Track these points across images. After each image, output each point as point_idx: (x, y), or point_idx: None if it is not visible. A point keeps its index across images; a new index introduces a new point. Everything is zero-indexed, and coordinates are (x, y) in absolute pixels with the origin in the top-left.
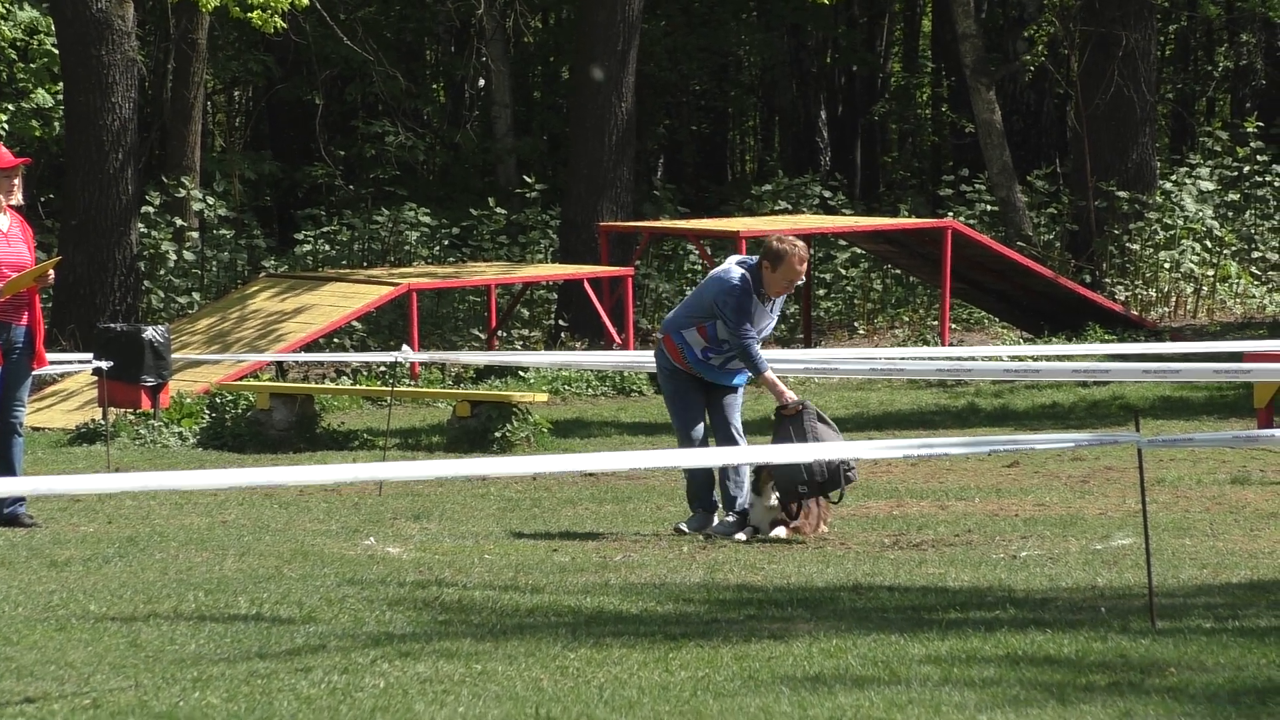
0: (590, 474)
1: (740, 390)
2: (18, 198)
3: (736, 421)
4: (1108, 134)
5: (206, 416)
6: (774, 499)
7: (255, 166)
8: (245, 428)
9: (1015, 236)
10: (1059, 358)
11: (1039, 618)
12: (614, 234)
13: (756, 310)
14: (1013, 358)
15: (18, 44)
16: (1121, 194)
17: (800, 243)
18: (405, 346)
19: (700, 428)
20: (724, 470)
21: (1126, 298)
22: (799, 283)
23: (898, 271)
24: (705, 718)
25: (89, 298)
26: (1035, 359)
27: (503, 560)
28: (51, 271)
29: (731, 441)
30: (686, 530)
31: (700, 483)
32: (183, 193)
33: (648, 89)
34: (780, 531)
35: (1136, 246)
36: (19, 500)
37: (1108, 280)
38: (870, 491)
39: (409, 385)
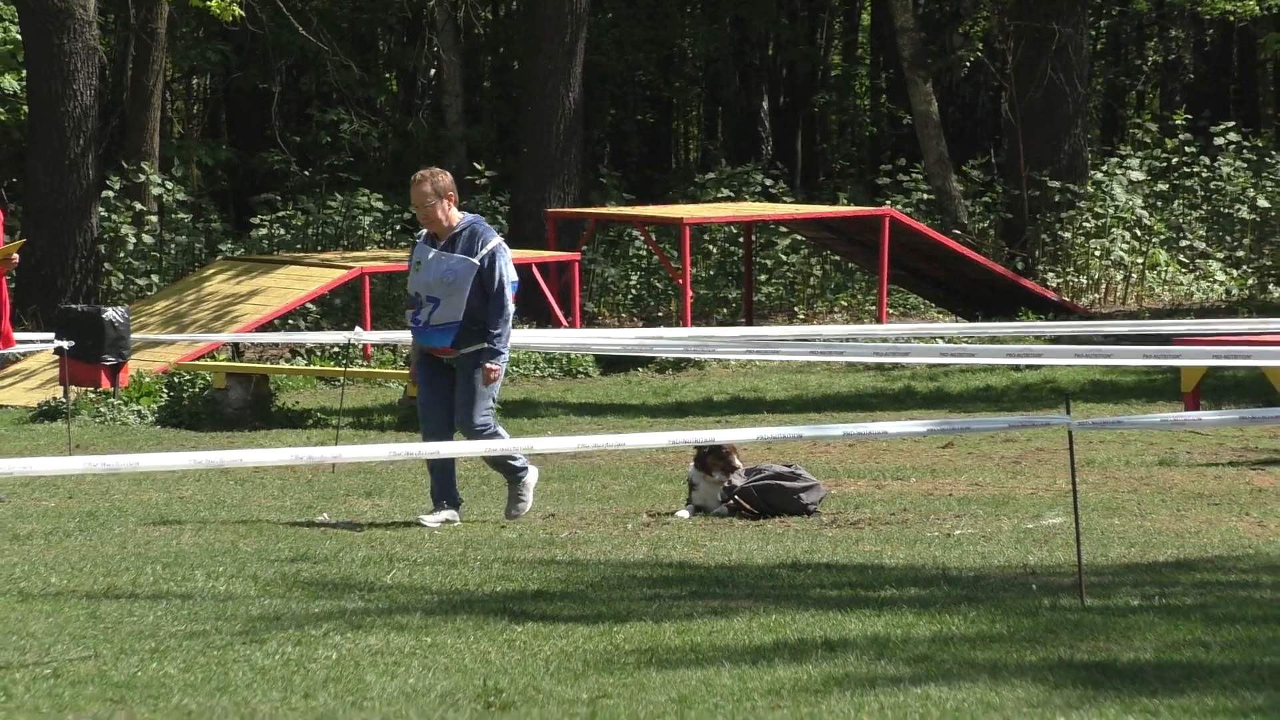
0: (539, 453)
1: (476, 381)
2: None
3: (476, 414)
4: (1041, 125)
5: (165, 395)
6: (716, 477)
7: (213, 153)
8: (202, 406)
9: (951, 224)
10: (991, 339)
11: (972, 594)
12: (561, 220)
13: (417, 251)
14: (948, 342)
15: None
16: (1054, 184)
17: (427, 171)
18: (358, 328)
19: (428, 413)
20: (493, 459)
21: (1058, 284)
22: (425, 210)
23: (837, 258)
24: (649, 689)
25: (50, 279)
26: (969, 340)
27: (452, 537)
28: (15, 254)
29: (475, 437)
30: (427, 524)
31: (439, 475)
32: (142, 178)
33: (595, 79)
34: (685, 513)
35: (1068, 235)
36: None
37: (1040, 267)
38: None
39: (361, 366)
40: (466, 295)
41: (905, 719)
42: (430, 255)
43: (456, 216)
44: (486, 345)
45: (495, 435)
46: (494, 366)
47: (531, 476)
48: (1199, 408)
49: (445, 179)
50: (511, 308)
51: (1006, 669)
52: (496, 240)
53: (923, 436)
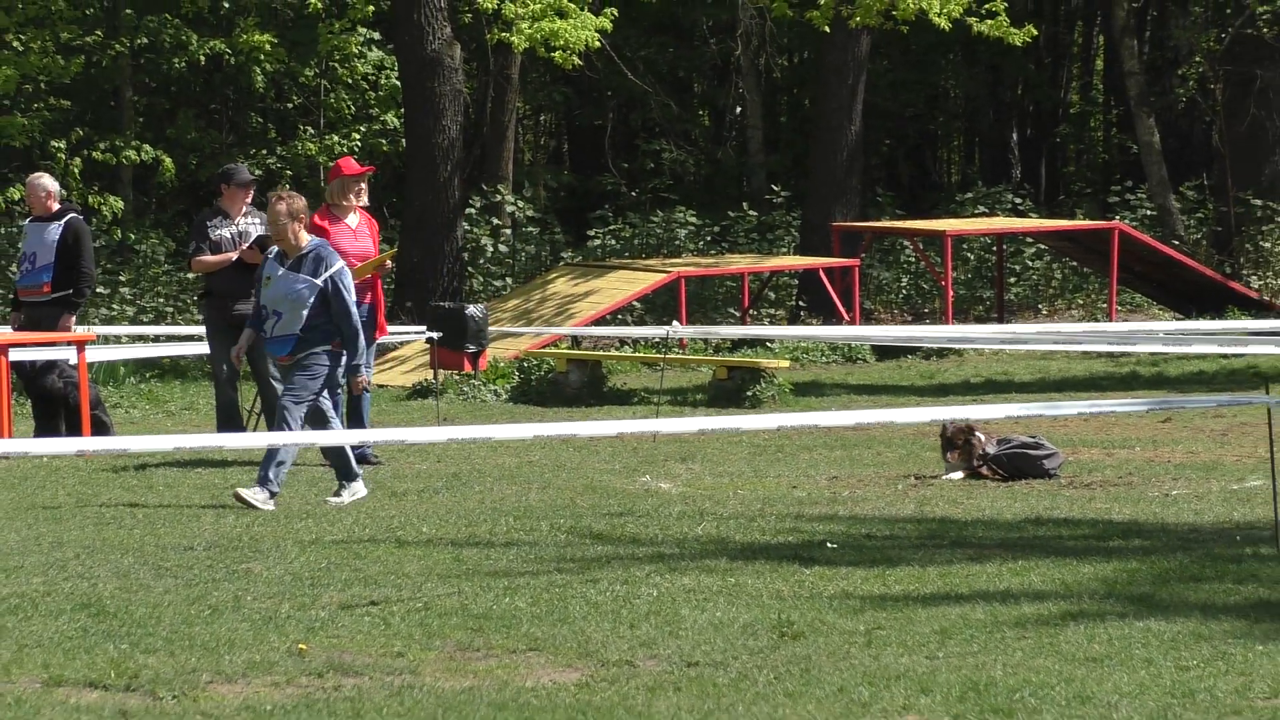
0: (824, 426)
1: (303, 377)
2: (364, 200)
3: (292, 397)
4: (1246, 153)
5: (516, 377)
6: (962, 442)
7: (556, 177)
8: (547, 387)
9: (1170, 236)
10: (1204, 332)
11: (1186, 544)
12: (844, 232)
13: (268, 267)
14: (1167, 334)
15: (369, 78)
16: (1256, 202)
17: (285, 194)
18: (675, 322)
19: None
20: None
21: (1260, 286)
22: (278, 229)
23: (1074, 264)
24: (916, 622)
25: (423, 281)
26: (1185, 333)
27: (752, 495)
28: (389, 261)
29: (280, 414)
30: (338, 501)
31: (335, 455)
32: (498, 197)
33: (873, 115)
34: (958, 475)
35: (1268, 244)
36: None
37: (1245, 272)
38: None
39: (678, 354)
40: (306, 313)
41: (1130, 648)
42: (279, 273)
43: (305, 238)
44: (348, 362)
45: (291, 424)
46: (361, 379)
47: (358, 493)
48: None
49: (299, 203)
50: (358, 323)
51: (1214, 607)
52: (339, 264)
53: (1145, 413)
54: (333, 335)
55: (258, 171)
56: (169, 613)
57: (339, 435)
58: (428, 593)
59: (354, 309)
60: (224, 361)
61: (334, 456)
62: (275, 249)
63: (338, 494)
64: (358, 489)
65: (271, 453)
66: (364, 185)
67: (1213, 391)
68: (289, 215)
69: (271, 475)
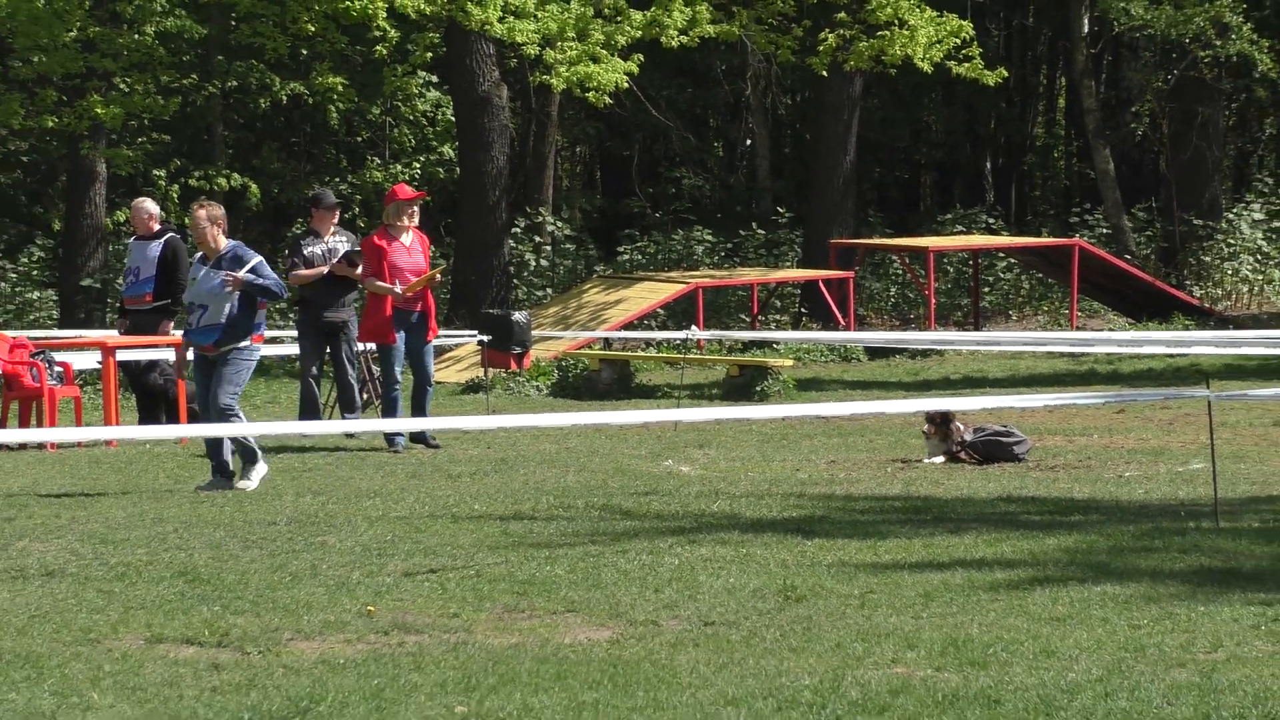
0: (823, 417)
1: (227, 372)
2: (416, 220)
3: (223, 398)
4: (1189, 180)
5: (555, 374)
6: (941, 430)
7: (590, 200)
8: (582, 383)
9: (1123, 251)
10: (1153, 335)
11: (1138, 519)
12: (840, 248)
13: (194, 269)
14: (1121, 335)
15: (427, 115)
16: (1198, 221)
17: (206, 202)
18: (693, 326)
19: (201, 403)
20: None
21: (1201, 294)
22: (199, 233)
23: (1040, 275)
24: (903, 587)
25: (474, 292)
26: (1137, 335)
27: (761, 476)
28: (438, 275)
29: (220, 417)
30: (204, 490)
31: (212, 449)
32: (540, 219)
33: (865, 147)
34: (939, 460)
35: (1208, 259)
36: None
37: (1188, 282)
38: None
39: (696, 354)
40: (227, 306)
41: (1089, 608)
42: (203, 273)
43: (224, 241)
44: (247, 279)
45: (236, 417)
46: (233, 276)
47: (261, 469)
48: None
49: (218, 210)
50: (279, 292)
51: (1162, 573)
52: (256, 258)
53: (1102, 405)
54: (254, 329)
55: None
56: (255, 579)
57: (406, 424)
58: (479, 562)
59: (272, 280)
60: (311, 359)
61: (210, 447)
62: (200, 253)
63: (246, 476)
64: (261, 469)
65: (243, 454)
66: (415, 208)
67: (1160, 386)
68: (209, 220)
69: (251, 449)
